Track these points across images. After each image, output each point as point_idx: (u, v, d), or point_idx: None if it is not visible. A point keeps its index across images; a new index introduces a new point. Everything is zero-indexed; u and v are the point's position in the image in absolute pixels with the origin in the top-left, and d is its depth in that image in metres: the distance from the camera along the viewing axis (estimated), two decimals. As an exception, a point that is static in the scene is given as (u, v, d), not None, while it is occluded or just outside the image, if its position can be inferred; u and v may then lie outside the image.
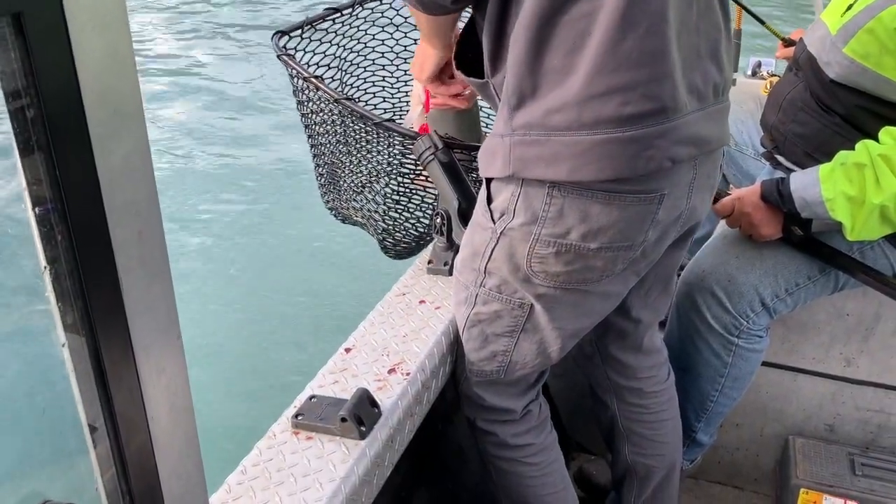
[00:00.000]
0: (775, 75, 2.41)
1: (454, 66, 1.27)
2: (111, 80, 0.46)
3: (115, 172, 0.48)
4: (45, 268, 0.47)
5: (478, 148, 1.40)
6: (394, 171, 1.54)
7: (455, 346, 1.31)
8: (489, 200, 1.14)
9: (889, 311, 1.72)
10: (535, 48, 1.00)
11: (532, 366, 1.28)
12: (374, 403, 1.07)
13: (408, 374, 1.17)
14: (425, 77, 1.32)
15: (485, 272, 1.19)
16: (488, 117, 1.83)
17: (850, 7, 1.51)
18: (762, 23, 2.28)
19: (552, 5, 0.97)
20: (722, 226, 1.67)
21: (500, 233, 1.12)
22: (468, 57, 1.19)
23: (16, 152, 0.46)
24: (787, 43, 2.13)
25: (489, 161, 1.10)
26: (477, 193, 1.41)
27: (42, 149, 0.45)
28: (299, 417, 1.06)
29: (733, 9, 2.48)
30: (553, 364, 1.32)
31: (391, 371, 1.17)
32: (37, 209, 0.46)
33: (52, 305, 0.50)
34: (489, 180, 1.14)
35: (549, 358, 1.27)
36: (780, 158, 1.65)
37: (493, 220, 1.13)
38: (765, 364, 1.80)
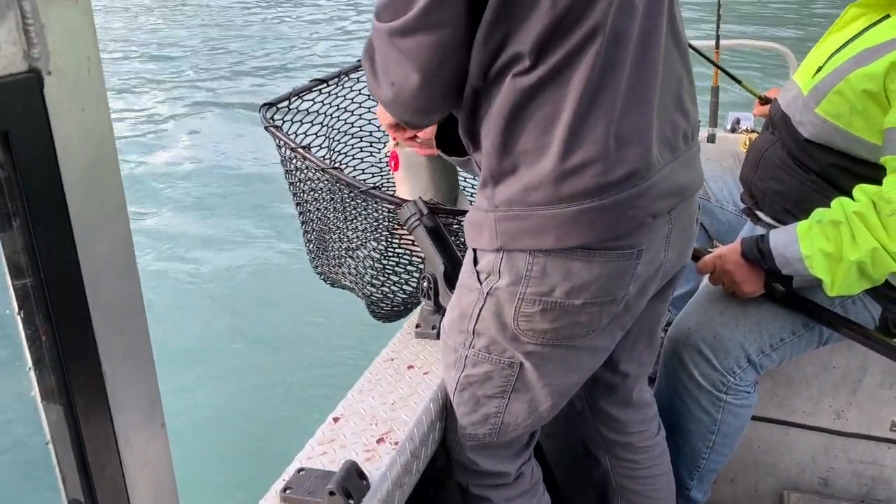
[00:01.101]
0: (754, 131, 2.47)
1: (436, 146, 1.32)
2: (95, 186, 0.48)
3: (98, 273, 0.49)
4: (29, 368, 0.48)
5: (463, 213, 1.43)
6: (381, 236, 1.56)
7: (444, 412, 1.32)
8: (475, 262, 1.17)
9: (874, 364, 1.73)
10: (508, 134, 1.04)
11: (525, 426, 1.29)
12: (362, 475, 1.07)
13: (396, 443, 1.17)
14: (386, 123, 1.39)
15: (473, 333, 1.20)
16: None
17: (820, 69, 1.56)
18: (738, 82, 2.34)
19: (522, 96, 1.02)
20: (706, 282, 1.69)
21: (487, 293, 1.15)
22: (448, 132, 1.23)
23: (1, 254, 0.47)
24: (764, 101, 2.19)
25: (476, 234, 1.14)
26: (463, 257, 1.44)
27: (27, 253, 0.46)
28: (287, 491, 1.06)
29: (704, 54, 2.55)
30: (545, 423, 1.32)
31: (380, 441, 1.17)
32: (22, 312, 0.47)
33: (38, 403, 0.51)
34: None
35: (540, 417, 1.28)
36: (760, 214, 1.69)
37: (479, 280, 1.16)
38: (755, 418, 1.80)
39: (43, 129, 0.44)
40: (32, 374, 0.49)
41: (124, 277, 0.52)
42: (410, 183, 1.55)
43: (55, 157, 0.45)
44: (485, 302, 1.16)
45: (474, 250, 1.18)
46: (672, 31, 1.13)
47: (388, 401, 1.28)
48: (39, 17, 0.43)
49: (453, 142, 1.24)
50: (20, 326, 0.49)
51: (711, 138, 2.55)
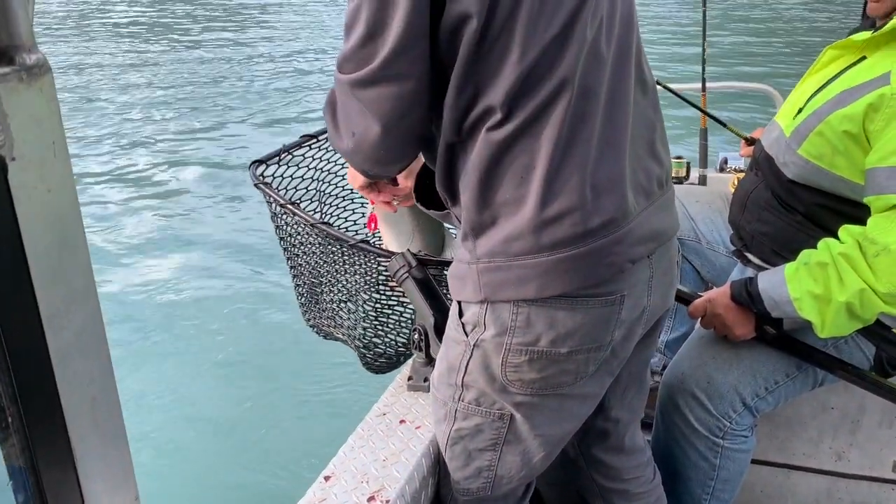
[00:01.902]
0: (742, 171, 2.49)
1: (415, 200, 1.33)
2: (63, 266, 0.49)
3: (66, 351, 0.50)
4: (-6, 453, 0.49)
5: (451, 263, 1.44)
6: (371, 289, 1.57)
7: (437, 468, 1.31)
8: (460, 314, 1.18)
9: (873, 403, 1.72)
10: (485, 187, 1.06)
11: (518, 478, 1.28)
12: (352, 535, 1.06)
13: (387, 501, 1.16)
14: (358, 185, 1.40)
15: (462, 386, 1.20)
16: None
17: (800, 110, 1.58)
18: (724, 125, 2.37)
19: (496, 149, 1.04)
20: (699, 326, 1.69)
21: (474, 345, 1.15)
22: (427, 185, 1.25)
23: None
24: (750, 142, 2.21)
25: (460, 287, 1.15)
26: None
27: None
28: (276, 554, 1.05)
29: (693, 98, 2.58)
30: (540, 474, 1.31)
31: (371, 499, 1.16)
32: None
33: (5, 478, 0.51)
34: None
35: (534, 468, 1.27)
36: (750, 256, 1.69)
37: (465, 333, 1.16)
38: (756, 462, 1.78)
39: (7, 214, 0.45)
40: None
41: (93, 352, 0.53)
42: (393, 235, 1.57)
43: (20, 240, 0.46)
44: (472, 354, 1.16)
45: (459, 303, 1.18)
46: (640, 79, 1.16)
47: (379, 457, 1.27)
48: (3, 106, 0.44)
49: (431, 195, 1.25)
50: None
51: (703, 180, 2.57)
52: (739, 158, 2.58)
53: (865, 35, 1.53)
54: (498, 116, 1.02)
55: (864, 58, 1.53)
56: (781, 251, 1.59)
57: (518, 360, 1.11)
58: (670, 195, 1.23)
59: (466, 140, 1.07)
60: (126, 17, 17.89)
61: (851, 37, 1.58)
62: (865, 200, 1.42)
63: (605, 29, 1.07)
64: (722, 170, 2.58)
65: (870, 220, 1.38)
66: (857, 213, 1.46)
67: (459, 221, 1.14)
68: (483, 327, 1.13)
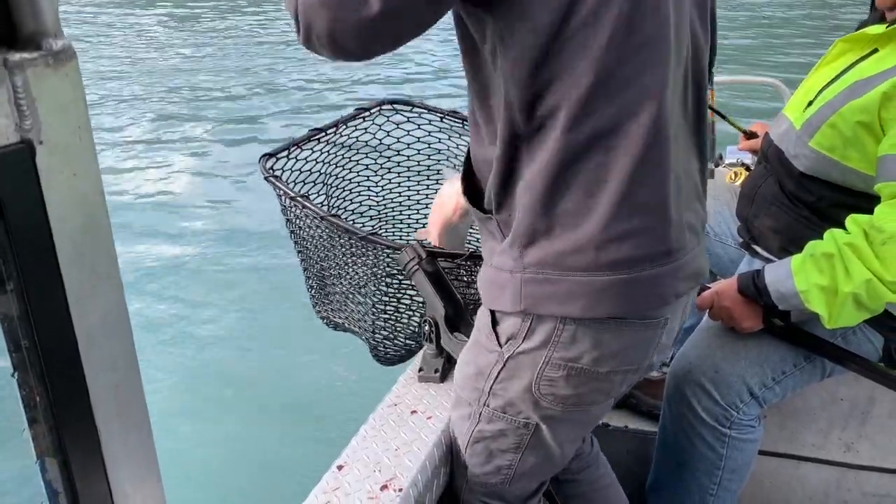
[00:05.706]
0: (744, 164, 2.48)
1: (462, 192, 1.22)
2: (88, 248, 0.49)
3: (92, 333, 0.51)
4: (24, 429, 0.49)
5: (460, 255, 1.45)
6: (381, 281, 1.58)
7: (449, 457, 1.31)
8: (494, 323, 1.14)
9: (882, 394, 1.72)
10: (551, 192, 1.01)
11: (538, 476, 1.30)
12: (365, 523, 1.07)
13: (400, 489, 1.17)
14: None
15: (489, 393, 1.19)
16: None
17: (811, 103, 1.58)
18: (724, 118, 2.37)
19: (569, 155, 0.99)
20: (707, 317, 1.69)
21: (508, 357, 1.13)
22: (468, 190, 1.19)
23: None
24: (749, 135, 2.21)
25: (496, 295, 1.10)
26: (462, 299, 1.44)
27: (21, 316, 0.48)
28: (291, 541, 1.06)
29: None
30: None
31: (384, 488, 1.17)
32: (16, 374, 0.48)
33: (33, 462, 0.52)
34: None
35: (554, 466, 1.29)
36: (758, 248, 1.69)
37: (499, 343, 1.13)
38: (764, 453, 1.79)
39: (35, 197, 0.46)
40: (28, 433, 0.50)
41: (117, 336, 0.53)
42: (446, 232, 1.56)
43: (47, 223, 0.47)
44: (504, 365, 1.14)
45: (492, 311, 1.14)
46: (695, 118, 1.13)
47: (391, 447, 1.28)
48: (31, 91, 0.44)
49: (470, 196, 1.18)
50: (15, 388, 0.50)
51: (710, 172, 2.56)
52: (737, 152, 2.57)
53: (878, 29, 1.53)
54: (571, 115, 0.96)
55: (875, 50, 1.53)
56: (789, 247, 1.58)
57: (555, 374, 1.09)
58: (704, 239, 1.22)
59: (534, 134, 1.00)
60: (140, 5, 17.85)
61: (864, 30, 1.58)
62: (876, 188, 1.41)
63: (686, 56, 1.05)
64: (716, 165, 2.58)
65: (878, 208, 1.37)
66: (868, 206, 1.45)
67: (500, 229, 1.08)
68: (521, 339, 1.10)
